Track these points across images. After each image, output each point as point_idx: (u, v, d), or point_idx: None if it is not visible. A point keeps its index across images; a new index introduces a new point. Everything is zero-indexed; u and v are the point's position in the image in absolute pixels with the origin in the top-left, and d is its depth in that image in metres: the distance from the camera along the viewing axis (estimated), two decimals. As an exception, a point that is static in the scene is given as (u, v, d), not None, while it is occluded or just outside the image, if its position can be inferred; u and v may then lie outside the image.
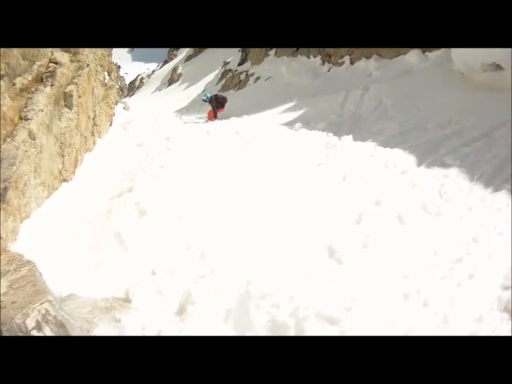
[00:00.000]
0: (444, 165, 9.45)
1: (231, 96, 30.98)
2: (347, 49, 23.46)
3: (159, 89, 71.18)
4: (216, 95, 27.66)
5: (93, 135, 12.30)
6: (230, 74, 44.40)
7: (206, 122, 25.46)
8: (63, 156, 9.17)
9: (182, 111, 34.68)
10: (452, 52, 14.38)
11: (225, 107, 26.79)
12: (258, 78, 34.54)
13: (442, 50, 16.98)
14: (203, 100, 27.77)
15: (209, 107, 27.11)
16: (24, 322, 4.40)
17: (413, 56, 18.46)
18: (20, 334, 4.34)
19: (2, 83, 6.84)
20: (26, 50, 7.46)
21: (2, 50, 6.46)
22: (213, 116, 26.43)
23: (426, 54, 18.06)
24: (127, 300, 6.24)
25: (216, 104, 26.71)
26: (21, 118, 7.55)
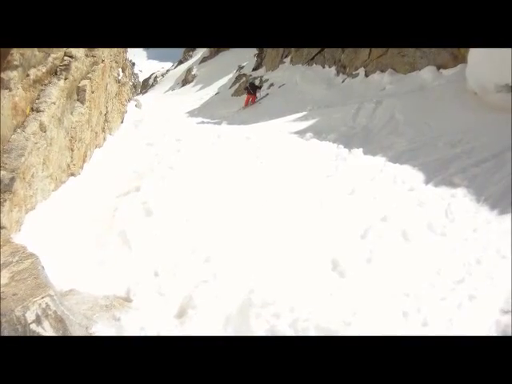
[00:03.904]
0: (452, 184, 9.39)
1: (243, 101, 31.02)
2: (362, 61, 23.39)
3: (172, 88, 71.14)
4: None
5: (103, 131, 12.34)
6: (244, 78, 44.29)
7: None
8: (72, 150, 9.21)
9: (193, 112, 34.65)
10: (466, 71, 14.34)
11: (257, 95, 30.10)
12: (272, 85, 34.45)
13: (457, 68, 16.89)
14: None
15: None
16: (24, 315, 4.40)
17: (427, 72, 18.32)
18: (19, 327, 4.34)
19: (16, 73, 6.87)
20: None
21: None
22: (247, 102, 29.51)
23: (441, 71, 17.96)
24: (128, 299, 6.27)
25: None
26: (32, 110, 7.58)
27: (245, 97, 31.19)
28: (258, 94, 30.18)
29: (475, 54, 13.44)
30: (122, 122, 15.81)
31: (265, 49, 43.25)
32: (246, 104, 29.89)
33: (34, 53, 7.36)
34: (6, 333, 4.25)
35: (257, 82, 34.98)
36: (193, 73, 68.08)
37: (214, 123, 23.39)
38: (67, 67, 8.75)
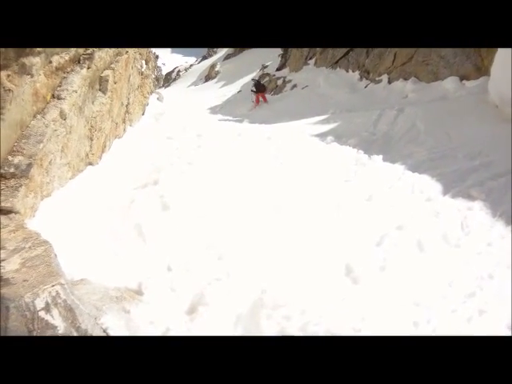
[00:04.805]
0: (469, 197, 9.32)
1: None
2: (386, 67, 23.27)
3: (195, 84, 71.31)
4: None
5: (124, 122, 12.35)
6: (268, 78, 44.18)
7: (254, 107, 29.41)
8: (92, 139, 9.22)
9: (215, 109, 34.67)
10: (489, 84, 14.22)
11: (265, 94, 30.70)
12: (295, 86, 34.38)
13: (480, 80, 16.79)
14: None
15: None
16: (33, 302, 4.39)
17: (450, 83, 18.18)
18: (27, 313, 4.33)
19: (39, 60, 6.87)
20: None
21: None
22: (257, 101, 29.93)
23: (464, 82, 17.84)
24: (139, 292, 6.28)
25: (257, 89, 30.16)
26: (53, 97, 7.59)
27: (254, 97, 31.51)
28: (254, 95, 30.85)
29: (498, 68, 13.35)
30: (143, 114, 15.85)
31: (289, 49, 43.21)
32: (257, 102, 30.30)
33: (58, 40, 7.38)
34: (13, 318, 4.25)
35: (279, 82, 35.18)
36: (216, 69, 68.27)
37: (236, 121, 23.32)
38: (91, 56, 8.78)
